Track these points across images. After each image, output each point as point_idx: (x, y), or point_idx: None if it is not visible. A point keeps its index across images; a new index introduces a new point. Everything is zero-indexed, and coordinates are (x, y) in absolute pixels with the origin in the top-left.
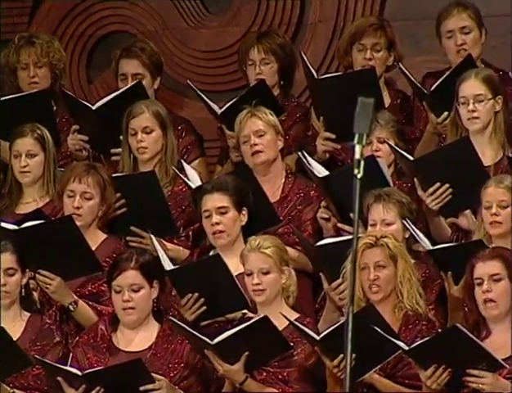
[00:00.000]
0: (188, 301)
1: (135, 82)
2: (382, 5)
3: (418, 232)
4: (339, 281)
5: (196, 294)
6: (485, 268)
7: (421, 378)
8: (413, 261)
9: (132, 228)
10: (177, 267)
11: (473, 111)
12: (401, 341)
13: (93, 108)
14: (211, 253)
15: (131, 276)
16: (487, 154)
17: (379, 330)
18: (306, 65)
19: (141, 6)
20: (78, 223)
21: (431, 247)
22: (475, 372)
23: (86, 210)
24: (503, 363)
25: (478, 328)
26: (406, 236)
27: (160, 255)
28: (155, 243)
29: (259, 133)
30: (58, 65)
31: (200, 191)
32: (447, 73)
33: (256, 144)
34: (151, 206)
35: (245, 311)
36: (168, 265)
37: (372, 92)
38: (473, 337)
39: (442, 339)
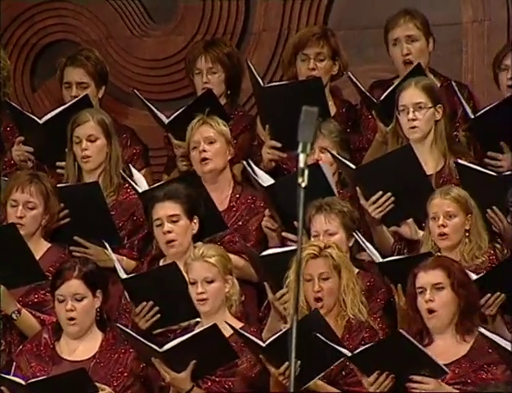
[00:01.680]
0: (142, 309)
1: (82, 95)
2: (326, 14)
3: (368, 244)
4: (284, 290)
5: (151, 302)
6: (427, 277)
7: (364, 385)
8: (357, 270)
9: (76, 237)
10: (132, 275)
11: (413, 120)
12: (345, 348)
13: (40, 122)
14: (161, 261)
15: (74, 285)
16: (429, 163)
17: (321, 337)
18: (252, 74)
19: (86, 15)
20: (21, 233)
21: (381, 260)
22: (418, 377)
23: (29, 220)
24: (445, 368)
25: (422, 337)
26: (350, 244)
27: (115, 264)
28: (111, 253)
29: (209, 140)
30: (2, 73)
31: (151, 200)
32: (397, 82)
33: (205, 151)
34: (95, 217)
35: (199, 319)
36: (123, 274)
37: (318, 101)
38: (416, 343)
39: (384, 345)
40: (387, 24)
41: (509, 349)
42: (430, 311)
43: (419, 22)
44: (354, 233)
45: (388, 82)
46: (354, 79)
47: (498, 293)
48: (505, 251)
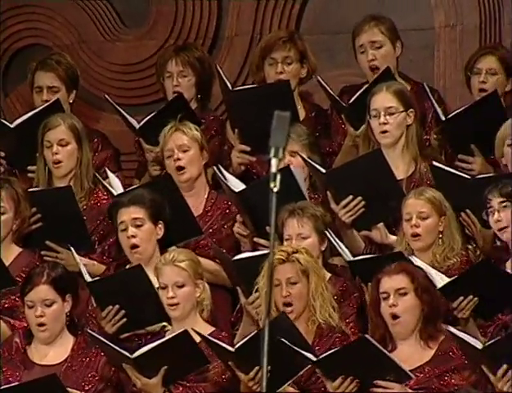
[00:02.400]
0: (108, 313)
1: (53, 100)
2: (298, 19)
3: (339, 242)
4: (256, 295)
5: (117, 306)
6: (391, 282)
7: (328, 389)
8: (329, 275)
9: (48, 242)
10: (97, 279)
11: (385, 124)
12: (311, 352)
13: (11, 126)
14: (128, 266)
15: (43, 291)
16: (400, 167)
17: (286, 342)
18: (221, 78)
19: (58, 20)
20: None
21: (351, 258)
22: (382, 382)
23: None
24: (410, 373)
25: (385, 342)
26: (323, 249)
27: (81, 268)
28: (76, 256)
29: (183, 148)
30: None
31: (116, 205)
32: (366, 86)
33: (180, 159)
34: (67, 221)
35: (165, 324)
36: (88, 277)
37: (286, 105)
38: (381, 348)
39: (350, 350)
40: (353, 30)
41: (479, 347)
42: (394, 316)
43: (385, 27)
44: (326, 232)
45: (358, 87)
46: (323, 83)
47: (471, 296)
48: (478, 253)
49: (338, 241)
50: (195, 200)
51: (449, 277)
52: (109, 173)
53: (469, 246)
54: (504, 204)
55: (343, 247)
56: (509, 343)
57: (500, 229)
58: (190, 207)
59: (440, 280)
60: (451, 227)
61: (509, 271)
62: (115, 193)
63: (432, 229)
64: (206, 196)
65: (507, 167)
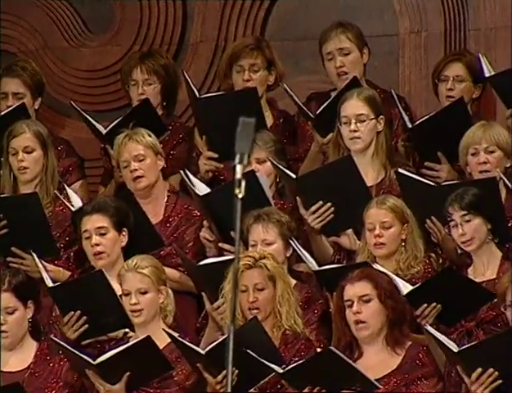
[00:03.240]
0: (70, 319)
1: (18, 104)
2: (263, 25)
3: (304, 252)
4: (221, 301)
5: (78, 311)
6: (354, 289)
7: None
8: (294, 281)
9: (13, 249)
10: (58, 284)
11: (355, 131)
12: (280, 358)
13: None
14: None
15: (4, 299)
16: (369, 174)
17: (253, 354)
18: (188, 85)
19: (22, 25)
20: None
21: (317, 268)
22: (349, 392)
23: None
24: (377, 384)
25: (351, 350)
26: (288, 255)
27: (42, 273)
28: (37, 261)
29: (139, 157)
30: None
31: (80, 213)
32: (333, 95)
33: (136, 169)
34: (33, 228)
35: (127, 330)
36: (50, 282)
37: (253, 111)
38: (347, 359)
39: (316, 361)
40: (320, 37)
41: (454, 350)
42: (358, 322)
43: (352, 34)
44: (290, 241)
45: (326, 94)
46: (290, 91)
47: (434, 304)
48: (441, 261)
49: (302, 250)
50: (155, 206)
51: (412, 285)
52: (66, 186)
53: (432, 254)
54: (466, 217)
55: (309, 257)
56: (485, 347)
57: (464, 242)
58: (150, 219)
59: (403, 288)
60: (414, 235)
61: (471, 277)
62: (73, 208)
63: (395, 238)
64: (165, 201)
65: (472, 175)
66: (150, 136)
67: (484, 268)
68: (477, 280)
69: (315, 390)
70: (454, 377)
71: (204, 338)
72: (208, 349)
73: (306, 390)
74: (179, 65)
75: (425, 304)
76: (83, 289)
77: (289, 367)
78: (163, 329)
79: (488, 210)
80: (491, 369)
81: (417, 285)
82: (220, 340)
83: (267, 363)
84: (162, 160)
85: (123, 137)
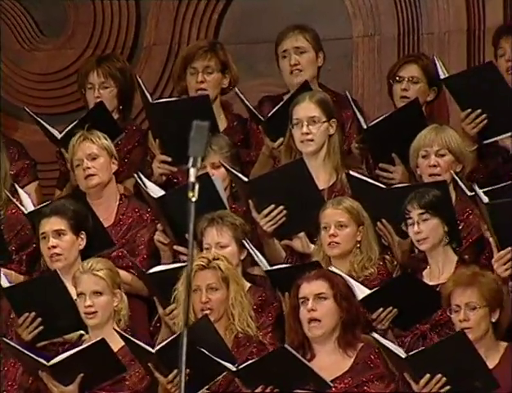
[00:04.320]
0: (25, 320)
1: None
2: (217, 28)
3: (256, 252)
4: (173, 306)
5: (33, 313)
6: (310, 287)
7: None
8: (248, 284)
9: None
10: (13, 284)
11: (307, 134)
12: (231, 357)
13: None
14: None
15: None
16: (321, 177)
17: (206, 352)
18: (141, 90)
19: None
20: None
21: (269, 267)
22: (302, 392)
23: None
24: (329, 383)
25: (303, 349)
26: (242, 258)
27: None
28: None
29: (92, 156)
30: None
31: (38, 215)
32: (285, 99)
33: (89, 167)
34: None
35: (82, 332)
36: (5, 282)
37: (206, 117)
38: (301, 358)
39: (269, 359)
40: (277, 37)
41: (402, 356)
42: (312, 320)
43: (309, 35)
44: (243, 241)
45: (278, 97)
46: (241, 96)
47: (390, 308)
48: (395, 263)
49: (255, 250)
50: (106, 209)
51: (367, 286)
52: (18, 189)
53: (387, 256)
54: (424, 216)
55: (261, 257)
56: (433, 353)
57: (419, 240)
58: (100, 219)
59: (359, 292)
60: (369, 237)
61: (427, 281)
62: (25, 211)
63: (350, 238)
64: (117, 204)
65: (422, 178)
66: (105, 139)
67: (439, 272)
68: (432, 283)
69: (267, 390)
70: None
71: (158, 342)
72: (158, 347)
73: (259, 389)
74: (133, 68)
75: (381, 309)
76: (37, 290)
77: (243, 365)
78: (114, 329)
79: (445, 212)
80: (439, 375)
81: (374, 289)
82: (170, 338)
83: (220, 361)
84: (116, 163)
85: (77, 138)
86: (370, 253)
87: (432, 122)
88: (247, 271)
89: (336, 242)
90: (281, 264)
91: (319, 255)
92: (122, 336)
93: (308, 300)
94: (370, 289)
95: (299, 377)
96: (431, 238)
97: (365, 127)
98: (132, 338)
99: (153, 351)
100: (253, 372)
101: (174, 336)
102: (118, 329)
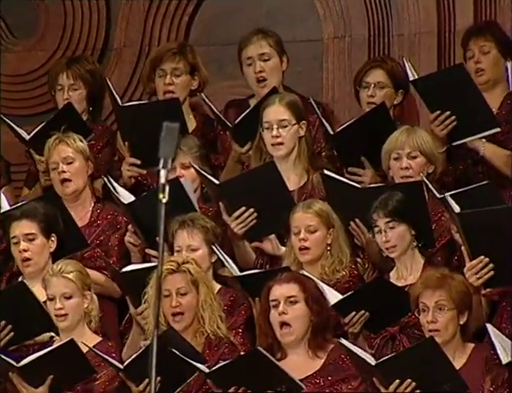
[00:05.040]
0: None
1: None
2: (187, 30)
3: (226, 257)
4: (145, 306)
5: (3, 321)
6: (281, 290)
7: None
8: (219, 286)
9: None
10: None
11: (277, 137)
12: (202, 362)
13: None
14: (20, 278)
15: None
16: (291, 178)
17: (178, 353)
18: (111, 93)
19: None
20: None
21: (238, 273)
22: None
23: None
24: (302, 385)
25: (273, 352)
26: (213, 260)
27: None
28: None
29: (68, 160)
30: None
31: (9, 218)
32: (251, 103)
33: (64, 171)
34: None
35: (53, 334)
36: None
37: (176, 119)
38: (273, 359)
39: (242, 361)
40: (240, 43)
41: (372, 363)
42: (283, 324)
43: (273, 41)
44: (212, 246)
45: (244, 101)
46: (207, 101)
47: (362, 311)
48: (366, 266)
49: (225, 255)
50: (81, 211)
51: (338, 289)
52: None
53: (358, 259)
54: (390, 224)
55: (231, 262)
56: (402, 359)
57: (388, 248)
58: (74, 220)
59: (332, 296)
60: (340, 239)
61: (393, 281)
62: (1, 210)
63: (320, 242)
64: (92, 207)
65: (394, 180)
66: (81, 141)
67: (407, 273)
68: (399, 284)
69: (240, 391)
70: None
71: (128, 341)
72: (126, 364)
73: (231, 390)
74: (103, 70)
75: (354, 312)
76: (6, 300)
77: (215, 367)
78: (82, 342)
79: (413, 215)
80: (409, 380)
81: (348, 294)
82: (138, 353)
83: (193, 362)
84: (91, 166)
85: (53, 140)
86: (341, 256)
87: (402, 124)
88: (218, 273)
89: (307, 247)
90: (251, 266)
91: (290, 258)
92: (92, 351)
93: (279, 302)
94: (341, 292)
95: (272, 379)
96: (399, 246)
97: (331, 133)
98: (101, 353)
99: (121, 367)
100: (226, 374)
101: (141, 350)
102: (87, 337)
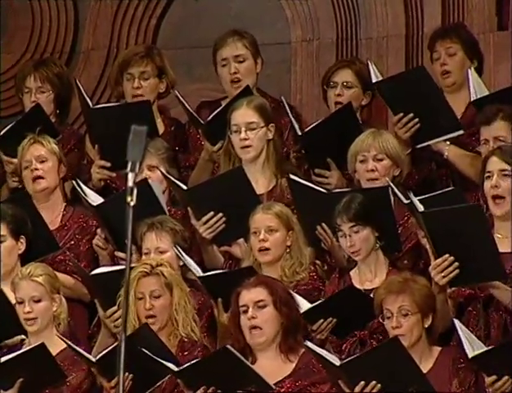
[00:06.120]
0: None
1: None
2: (155, 33)
3: (188, 259)
4: (114, 308)
5: None
6: (249, 294)
7: None
8: (188, 289)
9: None
10: None
11: (246, 139)
12: (175, 362)
13: None
14: None
15: None
16: (260, 182)
17: (148, 353)
18: (81, 94)
19: None
20: None
21: (201, 274)
22: None
23: None
24: (271, 384)
25: (245, 355)
26: (181, 263)
27: None
28: None
29: (41, 158)
30: None
31: None
32: (225, 103)
33: (37, 169)
34: None
35: (23, 337)
36: None
37: (145, 122)
38: (243, 359)
39: (211, 360)
40: (215, 44)
41: (336, 364)
42: (253, 328)
43: (248, 42)
44: (174, 248)
45: (217, 102)
46: (181, 98)
47: (330, 319)
48: (325, 268)
49: (186, 257)
50: (52, 213)
51: (297, 291)
52: None
53: (317, 261)
54: (354, 228)
55: (193, 263)
56: (367, 360)
57: (353, 252)
58: (46, 222)
59: (302, 305)
60: (299, 242)
61: (355, 283)
62: None
63: (280, 243)
64: (63, 210)
65: (360, 183)
66: (55, 143)
67: (371, 275)
68: (363, 287)
69: (209, 390)
70: None
71: (97, 344)
72: (98, 357)
73: (200, 390)
74: (71, 73)
75: (322, 320)
76: None
77: (185, 366)
78: (57, 335)
79: (376, 218)
80: (374, 382)
81: (317, 302)
82: (111, 347)
83: (161, 361)
84: (64, 168)
85: (27, 140)
86: (301, 258)
87: (369, 126)
88: (186, 276)
89: (267, 248)
90: (214, 269)
91: (249, 260)
92: (67, 344)
93: (248, 307)
94: (301, 294)
95: (241, 379)
96: (364, 249)
97: (299, 133)
98: (74, 346)
99: (93, 360)
100: (195, 373)
101: (116, 344)
102: (56, 341)
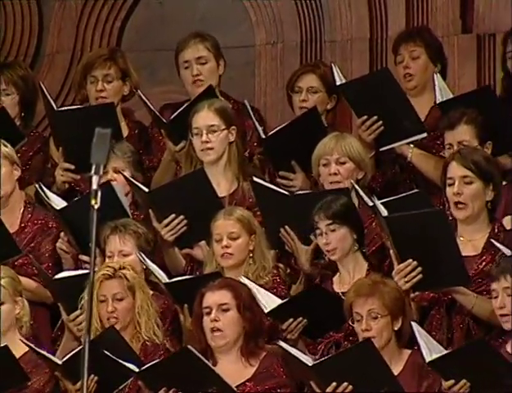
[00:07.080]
0: None
1: None
2: (119, 36)
3: (152, 264)
4: (78, 312)
5: None
6: (214, 297)
7: None
8: (151, 292)
9: None
10: None
11: (207, 142)
12: (138, 364)
13: None
14: None
15: None
16: (222, 184)
17: (109, 354)
18: (45, 97)
19: None
20: None
21: (167, 280)
22: None
23: None
24: (233, 387)
25: (206, 357)
26: (145, 266)
27: None
28: None
29: None
30: None
31: None
32: (188, 102)
33: None
34: None
35: None
36: None
37: (110, 124)
38: (204, 360)
39: (172, 361)
40: (177, 46)
41: (309, 364)
42: (215, 330)
43: (210, 44)
44: (138, 254)
45: (180, 104)
46: (144, 98)
47: (300, 318)
48: (288, 271)
49: (150, 262)
50: (11, 216)
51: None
52: None
53: (280, 265)
54: (331, 226)
55: (157, 269)
56: (339, 361)
57: (328, 251)
58: (6, 226)
59: (270, 301)
60: (262, 245)
61: (337, 288)
62: None
63: (243, 248)
64: (22, 212)
65: (323, 186)
66: (6, 146)
67: (350, 278)
68: (343, 290)
69: (170, 392)
70: None
71: (61, 348)
72: (64, 359)
73: (161, 391)
74: (35, 75)
75: (291, 319)
76: None
77: (145, 366)
78: (21, 339)
79: (356, 220)
80: (346, 383)
81: (283, 301)
82: (77, 350)
83: (122, 362)
84: (18, 169)
85: None
86: (264, 262)
87: (334, 129)
88: (149, 279)
89: (230, 253)
90: (181, 273)
91: (212, 265)
92: (31, 348)
93: (212, 309)
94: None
95: (203, 380)
96: (340, 248)
97: (263, 136)
98: (38, 349)
99: (59, 362)
100: (156, 374)
101: (81, 347)
102: (24, 340)
